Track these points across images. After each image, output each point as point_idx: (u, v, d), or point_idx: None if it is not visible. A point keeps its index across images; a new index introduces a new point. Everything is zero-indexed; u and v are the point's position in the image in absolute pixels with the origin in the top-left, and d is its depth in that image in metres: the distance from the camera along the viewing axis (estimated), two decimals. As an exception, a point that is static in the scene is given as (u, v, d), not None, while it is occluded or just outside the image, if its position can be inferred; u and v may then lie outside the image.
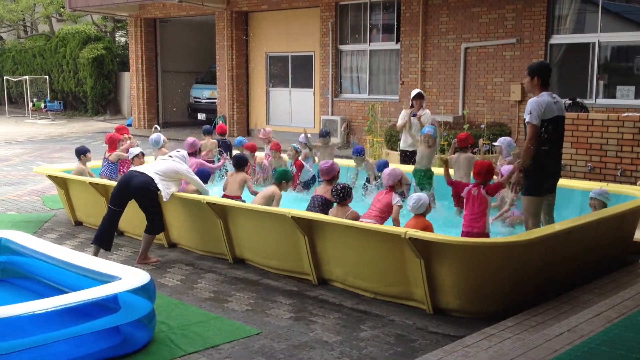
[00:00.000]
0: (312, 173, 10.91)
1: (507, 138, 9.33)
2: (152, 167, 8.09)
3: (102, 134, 22.71)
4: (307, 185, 10.82)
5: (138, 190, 7.77)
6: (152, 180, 7.80)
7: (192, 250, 8.45)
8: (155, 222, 7.97)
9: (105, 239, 7.83)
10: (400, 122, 11.22)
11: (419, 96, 10.98)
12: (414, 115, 10.81)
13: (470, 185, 7.01)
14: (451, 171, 9.35)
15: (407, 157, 11.18)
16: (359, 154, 10.23)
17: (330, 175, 8.10)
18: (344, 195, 7.36)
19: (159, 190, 7.87)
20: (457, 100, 16.83)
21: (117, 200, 7.87)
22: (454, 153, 9.23)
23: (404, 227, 6.55)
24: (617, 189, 8.39)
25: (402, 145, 11.36)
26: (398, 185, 7.76)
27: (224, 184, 9.19)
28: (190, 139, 10.31)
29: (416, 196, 6.96)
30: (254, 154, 11.34)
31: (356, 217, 7.21)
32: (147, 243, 7.97)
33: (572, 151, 10.16)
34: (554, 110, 6.76)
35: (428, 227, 6.74)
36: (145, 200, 7.86)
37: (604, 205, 7.65)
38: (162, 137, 10.69)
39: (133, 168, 8.11)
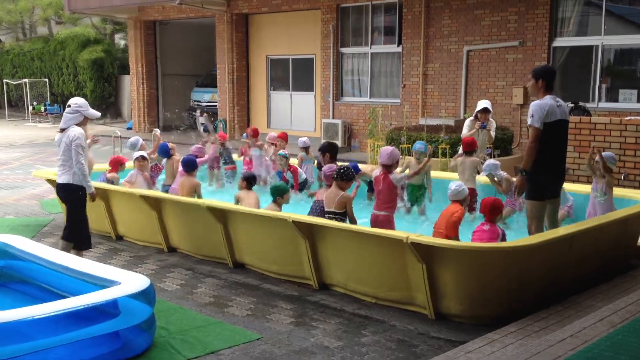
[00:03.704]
0: (305, 176, 10.86)
1: (490, 161, 9.16)
2: (59, 162, 7.46)
3: (102, 137, 22.68)
4: (300, 187, 10.76)
5: (59, 195, 7.57)
6: (64, 184, 7.40)
7: (191, 255, 8.41)
8: (72, 228, 7.48)
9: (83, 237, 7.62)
10: (467, 131, 10.53)
11: (485, 110, 10.35)
12: (484, 127, 10.31)
13: (480, 224, 6.94)
14: (456, 175, 9.37)
15: None
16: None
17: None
18: (343, 175, 7.38)
19: (80, 189, 7.39)
20: (459, 103, 16.78)
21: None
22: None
23: (403, 232, 6.51)
24: (620, 193, 8.35)
25: None
26: (395, 166, 7.74)
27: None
28: (197, 145, 10.49)
29: (457, 183, 7.22)
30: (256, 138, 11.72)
31: (345, 201, 7.31)
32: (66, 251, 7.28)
33: (574, 155, 10.12)
34: (556, 113, 6.72)
35: (460, 213, 7.06)
36: (70, 204, 7.50)
37: (608, 169, 7.83)
38: (140, 140, 10.57)
39: (58, 179, 7.55)
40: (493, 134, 10.43)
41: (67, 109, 7.48)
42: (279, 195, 7.87)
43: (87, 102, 7.62)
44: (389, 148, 7.84)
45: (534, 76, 6.90)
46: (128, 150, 10.10)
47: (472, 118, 10.51)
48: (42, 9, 33.56)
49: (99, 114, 7.93)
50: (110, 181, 9.80)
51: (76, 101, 7.51)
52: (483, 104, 10.37)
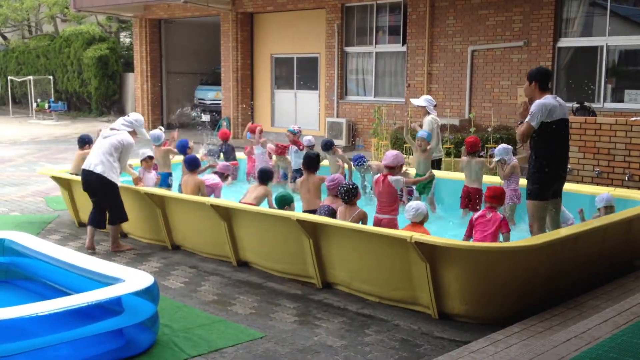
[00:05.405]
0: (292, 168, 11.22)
1: (501, 145, 9.16)
2: (98, 151, 8.36)
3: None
4: (285, 176, 11.33)
5: (97, 188, 8.34)
6: (101, 175, 8.21)
7: (195, 253, 8.41)
8: (116, 211, 8.45)
9: (98, 219, 8.51)
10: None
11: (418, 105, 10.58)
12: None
13: (482, 210, 6.96)
14: (462, 175, 9.38)
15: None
16: (359, 164, 10.11)
17: (337, 191, 8.08)
18: (350, 195, 7.33)
19: (113, 182, 8.30)
20: (464, 103, 16.76)
21: (89, 194, 8.55)
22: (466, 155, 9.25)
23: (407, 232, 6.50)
24: (624, 193, 8.34)
25: None
26: (398, 169, 7.74)
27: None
28: (224, 163, 10.65)
29: (415, 204, 6.99)
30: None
31: (363, 217, 7.20)
32: (115, 231, 8.54)
33: (579, 155, 10.11)
34: (558, 113, 6.75)
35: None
36: (103, 195, 8.39)
37: (612, 210, 7.65)
38: (163, 135, 10.76)
39: (91, 167, 8.35)
40: (426, 126, 10.25)
41: (125, 117, 8.67)
42: (286, 205, 7.89)
43: (144, 121, 8.80)
44: (395, 151, 7.88)
45: (528, 79, 6.99)
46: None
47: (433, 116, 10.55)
48: (48, 7, 33.56)
49: (148, 136, 9.12)
50: None
51: (136, 117, 8.69)
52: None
